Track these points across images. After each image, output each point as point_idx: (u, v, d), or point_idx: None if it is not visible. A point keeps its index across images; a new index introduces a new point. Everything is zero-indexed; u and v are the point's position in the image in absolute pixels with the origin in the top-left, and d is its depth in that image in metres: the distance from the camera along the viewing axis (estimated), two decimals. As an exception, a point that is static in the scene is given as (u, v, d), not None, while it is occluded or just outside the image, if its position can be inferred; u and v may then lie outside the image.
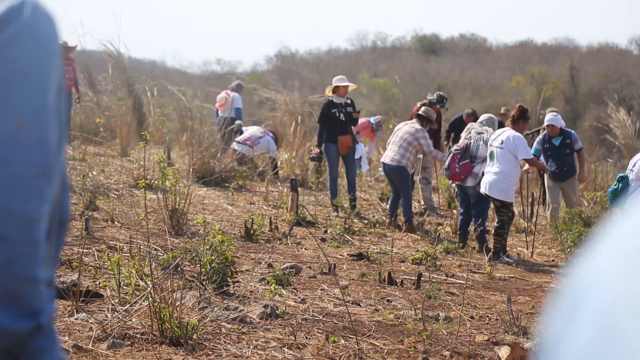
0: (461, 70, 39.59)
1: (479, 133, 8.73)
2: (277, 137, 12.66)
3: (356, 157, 11.84)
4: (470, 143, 8.77)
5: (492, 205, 8.56)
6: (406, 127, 9.56)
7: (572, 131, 10.08)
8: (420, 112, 9.64)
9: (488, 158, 8.38)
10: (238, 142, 12.11)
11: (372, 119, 13.35)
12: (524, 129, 8.51)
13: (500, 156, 8.22)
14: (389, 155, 9.54)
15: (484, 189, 8.32)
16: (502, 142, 8.23)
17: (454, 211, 9.96)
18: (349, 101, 10.16)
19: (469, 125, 9.07)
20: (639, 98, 29.63)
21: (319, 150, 10.26)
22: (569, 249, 8.52)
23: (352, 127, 10.32)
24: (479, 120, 9.03)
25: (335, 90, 10.07)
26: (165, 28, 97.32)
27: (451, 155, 8.93)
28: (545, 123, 9.82)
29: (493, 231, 8.44)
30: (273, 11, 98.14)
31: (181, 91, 14.24)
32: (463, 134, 8.98)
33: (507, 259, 8.28)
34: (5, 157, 1.19)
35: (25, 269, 1.21)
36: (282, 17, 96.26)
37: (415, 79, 37.14)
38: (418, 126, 9.47)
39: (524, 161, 8.46)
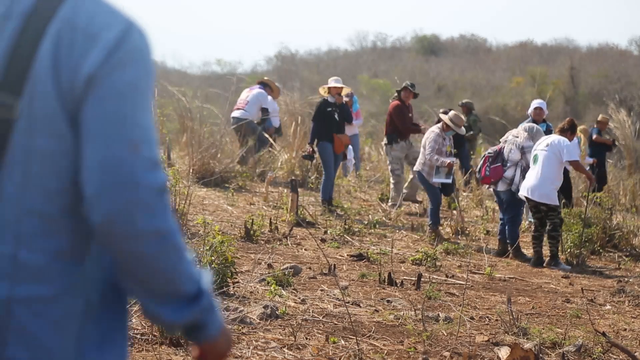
0: (461, 70, 39.54)
1: (515, 137, 8.68)
2: (268, 84, 12.44)
3: (349, 157, 11.95)
4: (503, 147, 8.73)
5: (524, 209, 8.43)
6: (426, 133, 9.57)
7: (551, 124, 10.31)
8: (441, 116, 9.56)
9: (531, 162, 8.27)
10: (233, 118, 12.05)
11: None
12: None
13: (544, 159, 8.10)
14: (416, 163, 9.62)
15: (526, 192, 8.20)
16: (547, 145, 8.14)
17: (454, 211, 9.95)
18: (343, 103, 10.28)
19: (509, 132, 9.00)
20: (639, 99, 29.63)
21: (311, 149, 10.20)
22: (568, 249, 8.51)
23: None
24: (521, 125, 8.87)
25: (330, 89, 10.16)
26: (165, 28, 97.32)
27: (483, 158, 8.89)
28: (534, 105, 10.07)
29: (547, 236, 8.29)
30: (273, 11, 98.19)
31: (181, 92, 14.21)
32: (503, 138, 8.94)
33: (563, 266, 8.17)
34: (125, 181, 1.22)
35: (173, 272, 1.30)
36: (282, 17, 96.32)
37: (416, 79, 36.95)
38: (433, 128, 9.43)
39: (570, 164, 8.28)
